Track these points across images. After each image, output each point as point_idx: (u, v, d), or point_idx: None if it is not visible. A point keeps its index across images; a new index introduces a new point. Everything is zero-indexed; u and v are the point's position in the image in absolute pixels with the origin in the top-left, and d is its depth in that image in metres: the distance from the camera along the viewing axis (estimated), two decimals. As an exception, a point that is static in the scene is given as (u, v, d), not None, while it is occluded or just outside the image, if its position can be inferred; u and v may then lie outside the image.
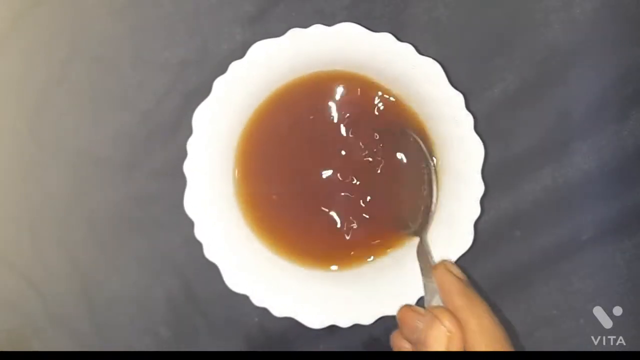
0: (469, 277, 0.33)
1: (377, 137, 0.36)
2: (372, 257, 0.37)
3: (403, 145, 0.36)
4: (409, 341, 0.32)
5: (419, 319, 0.31)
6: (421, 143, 0.36)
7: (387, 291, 0.36)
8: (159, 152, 0.39)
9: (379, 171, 0.36)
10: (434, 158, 0.36)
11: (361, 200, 0.37)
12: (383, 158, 0.36)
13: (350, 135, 0.37)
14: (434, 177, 0.35)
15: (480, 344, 0.29)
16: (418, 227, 0.36)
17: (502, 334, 0.30)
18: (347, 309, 0.35)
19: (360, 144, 0.36)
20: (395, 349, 0.33)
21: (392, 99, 0.36)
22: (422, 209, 0.36)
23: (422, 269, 0.34)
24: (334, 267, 0.37)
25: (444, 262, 0.33)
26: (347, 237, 0.37)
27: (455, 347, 0.29)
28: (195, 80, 0.38)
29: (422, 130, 0.37)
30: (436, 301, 0.32)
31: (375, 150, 0.36)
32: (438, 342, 0.29)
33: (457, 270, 0.33)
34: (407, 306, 0.33)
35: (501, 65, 0.38)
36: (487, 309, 0.30)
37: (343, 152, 0.37)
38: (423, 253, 0.34)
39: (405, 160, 0.36)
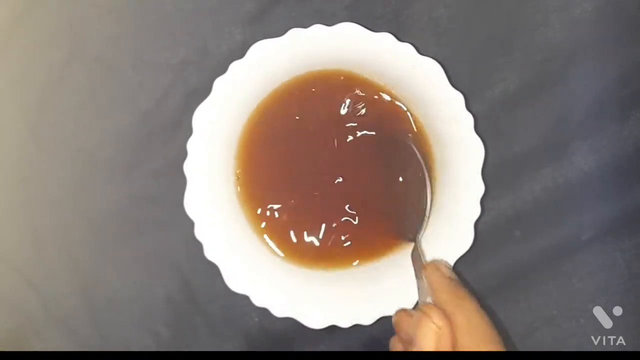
0: (463, 277, 0.33)
1: (376, 143, 0.36)
2: (372, 258, 0.37)
3: (400, 153, 0.36)
4: (405, 343, 0.32)
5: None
6: (417, 152, 0.36)
7: (387, 291, 0.36)
8: (159, 152, 0.39)
9: (376, 177, 0.37)
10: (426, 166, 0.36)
11: (359, 203, 0.37)
12: (381, 165, 0.37)
13: (350, 138, 0.37)
14: (428, 185, 0.35)
15: (468, 341, 0.29)
16: (413, 233, 0.36)
17: (491, 331, 0.29)
18: (347, 309, 0.35)
19: (360, 148, 0.37)
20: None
21: (391, 99, 0.36)
22: (417, 216, 0.36)
23: (415, 272, 0.34)
24: (333, 268, 0.37)
25: (433, 261, 0.34)
26: (346, 239, 0.37)
27: (445, 343, 0.28)
28: (195, 80, 0.38)
29: (422, 130, 0.37)
30: (429, 302, 0.32)
31: (373, 154, 0.37)
32: (427, 339, 0.29)
33: (446, 269, 0.33)
34: (402, 310, 0.34)
35: (501, 65, 0.38)
36: (476, 306, 0.30)
37: (342, 155, 0.37)
38: (417, 256, 0.35)
39: (401, 169, 0.36)
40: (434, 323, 0.29)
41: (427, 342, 0.29)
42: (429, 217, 0.36)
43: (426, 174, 0.35)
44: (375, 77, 0.36)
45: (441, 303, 0.30)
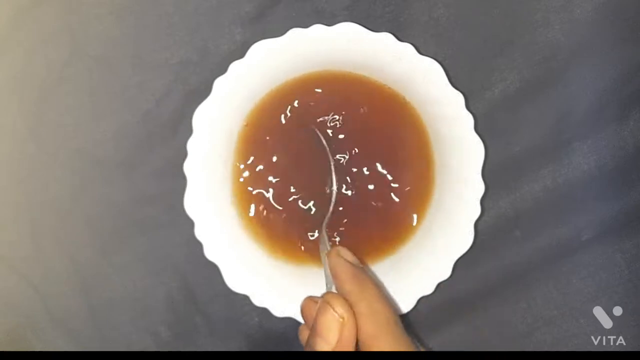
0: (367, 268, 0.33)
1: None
2: (371, 258, 0.37)
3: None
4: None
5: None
6: (320, 136, 0.36)
7: (386, 291, 0.36)
8: (159, 152, 0.39)
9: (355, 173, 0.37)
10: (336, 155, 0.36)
11: (353, 200, 0.37)
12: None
13: (344, 137, 0.37)
14: (332, 170, 0.36)
15: (371, 328, 0.28)
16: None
17: (393, 318, 0.29)
18: (347, 309, 0.35)
19: (355, 148, 0.37)
20: (303, 342, 0.33)
21: (394, 97, 0.36)
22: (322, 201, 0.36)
23: (322, 259, 0.34)
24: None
25: (335, 248, 0.33)
26: (345, 238, 0.37)
27: (348, 332, 0.28)
28: (195, 80, 0.38)
29: (422, 130, 0.37)
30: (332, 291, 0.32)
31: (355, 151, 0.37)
32: (330, 329, 0.28)
33: (349, 256, 0.33)
34: (309, 298, 0.33)
35: (501, 65, 0.38)
36: (378, 292, 0.30)
37: (339, 154, 0.37)
38: (323, 242, 0.34)
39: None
40: (337, 313, 0.28)
41: (331, 332, 0.28)
42: (334, 202, 0.36)
43: (330, 158, 0.36)
44: (376, 76, 0.36)
45: (345, 293, 0.30)
